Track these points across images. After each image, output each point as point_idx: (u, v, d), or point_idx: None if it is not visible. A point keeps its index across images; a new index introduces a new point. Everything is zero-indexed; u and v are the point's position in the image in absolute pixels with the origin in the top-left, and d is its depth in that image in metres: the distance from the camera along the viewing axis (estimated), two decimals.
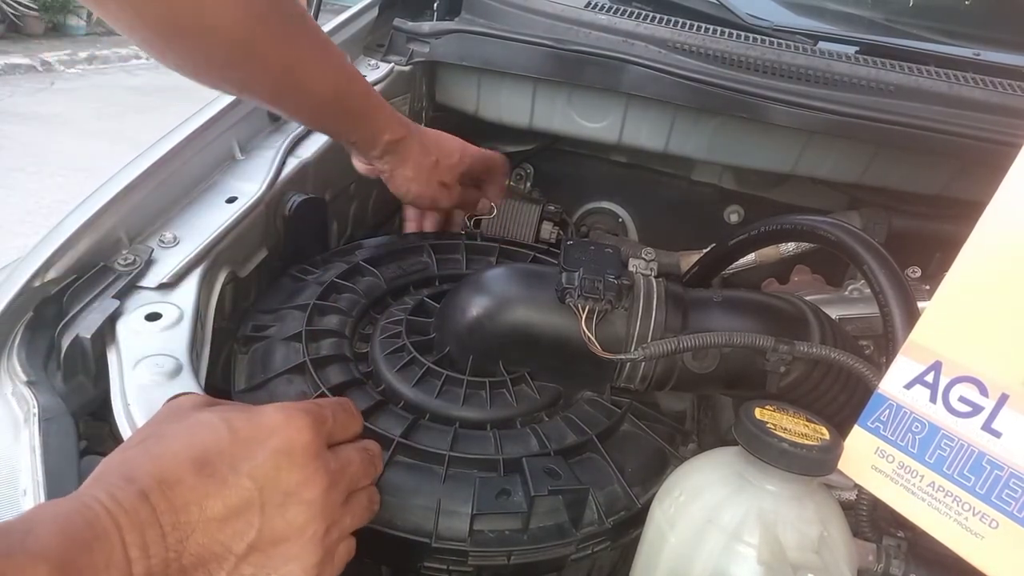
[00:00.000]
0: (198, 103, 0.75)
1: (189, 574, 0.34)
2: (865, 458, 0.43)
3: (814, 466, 0.40)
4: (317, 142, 0.80)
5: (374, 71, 0.91)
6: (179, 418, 0.39)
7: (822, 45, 0.93)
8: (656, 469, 0.56)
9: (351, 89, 0.66)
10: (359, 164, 0.78)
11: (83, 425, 0.52)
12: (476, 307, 0.58)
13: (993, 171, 0.40)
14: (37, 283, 0.56)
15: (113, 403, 0.49)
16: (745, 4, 1.00)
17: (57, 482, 0.45)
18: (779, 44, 0.91)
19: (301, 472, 0.37)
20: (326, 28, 0.91)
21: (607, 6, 0.97)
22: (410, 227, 0.86)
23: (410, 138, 0.73)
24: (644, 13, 0.96)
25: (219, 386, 0.59)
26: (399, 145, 0.72)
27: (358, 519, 0.42)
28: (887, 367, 0.44)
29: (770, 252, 0.91)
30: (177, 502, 0.34)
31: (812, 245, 0.84)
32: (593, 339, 0.54)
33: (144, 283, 0.58)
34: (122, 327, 0.54)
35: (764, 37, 0.93)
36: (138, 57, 6.21)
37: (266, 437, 0.37)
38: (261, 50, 0.56)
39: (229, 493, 0.35)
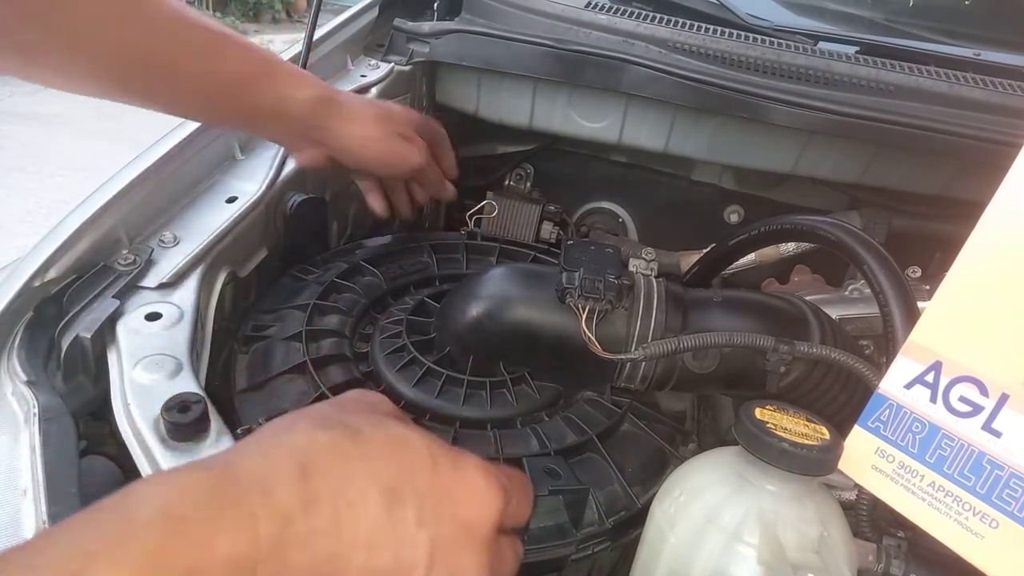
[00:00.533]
0: None
1: None
2: (865, 458, 0.43)
3: (814, 466, 0.40)
4: None
5: (374, 71, 0.91)
6: (377, 420, 0.33)
7: (822, 45, 0.93)
8: (656, 469, 0.56)
9: (228, 49, 0.55)
10: (303, 156, 0.66)
11: (83, 425, 0.52)
12: (476, 307, 0.58)
13: (993, 171, 0.40)
14: (37, 283, 0.56)
15: (113, 403, 0.49)
16: (745, 4, 1.00)
17: (57, 482, 0.45)
18: (779, 44, 0.91)
19: (473, 559, 0.31)
20: (326, 28, 0.91)
21: (607, 6, 0.97)
22: (375, 203, 0.75)
23: (341, 95, 0.64)
24: (644, 13, 0.96)
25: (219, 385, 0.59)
26: (331, 103, 0.62)
27: None
28: (887, 367, 0.44)
29: (770, 252, 0.91)
30: (351, 531, 0.28)
31: (812, 245, 0.84)
32: (593, 339, 0.54)
33: (144, 283, 0.58)
34: (122, 327, 0.54)
35: (764, 37, 0.93)
36: None
37: (463, 498, 0.32)
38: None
39: (404, 548, 0.29)
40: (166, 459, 0.44)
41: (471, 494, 0.32)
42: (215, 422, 0.46)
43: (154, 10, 0.52)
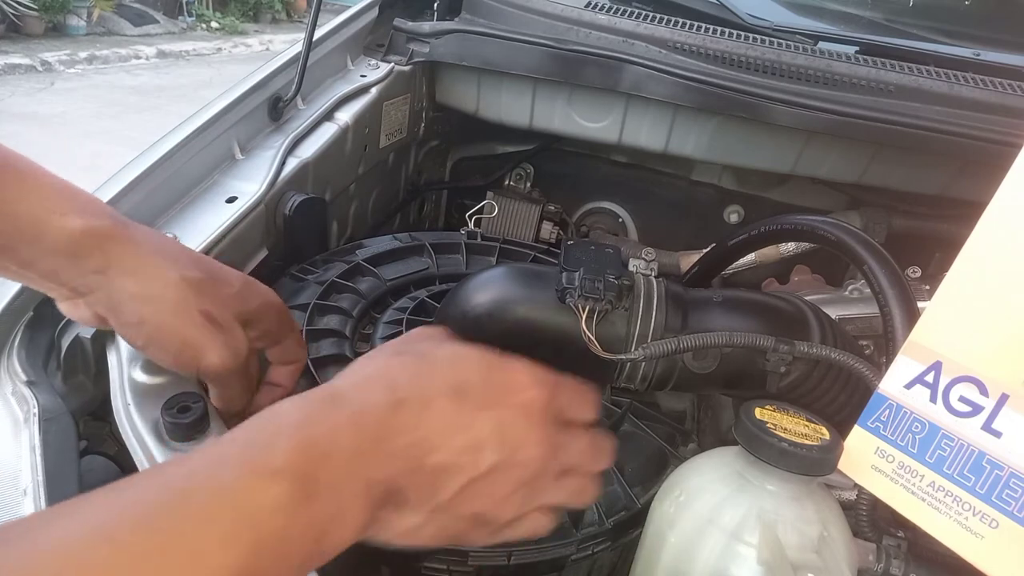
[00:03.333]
0: (198, 103, 0.75)
1: (429, 481, 0.35)
2: (865, 458, 0.43)
3: (814, 466, 0.40)
4: (317, 142, 0.80)
5: (374, 71, 0.91)
6: (438, 342, 0.42)
7: (822, 45, 0.93)
8: (656, 469, 0.56)
9: None
10: (64, 305, 0.46)
11: (83, 425, 0.52)
12: (476, 307, 0.58)
13: (993, 171, 0.40)
14: None
15: (113, 403, 0.49)
16: (745, 4, 1.00)
17: (57, 482, 0.45)
18: (779, 44, 0.91)
19: (533, 431, 0.38)
20: (326, 28, 0.91)
21: (607, 6, 0.97)
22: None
23: (132, 232, 0.45)
24: (644, 13, 0.96)
25: None
26: (109, 241, 0.43)
27: (566, 496, 0.41)
28: (887, 367, 0.44)
29: (770, 252, 0.91)
30: (431, 422, 0.35)
31: (812, 245, 0.84)
32: (593, 339, 0.54)
33: None
34: None
35: (764, 37, 0.93)
36: (138, 57, 6.21)
37: (516, 389, 0.39)
38: None
39: (473, 429, 0.36)
40: (166, 460, 0.44)
41: (520, 381, 0.39)
42: (215, 422, 0.46)
43: None
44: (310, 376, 0.56)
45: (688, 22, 0.94)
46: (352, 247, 0.76)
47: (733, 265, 0.83)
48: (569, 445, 0.40)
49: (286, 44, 0.98)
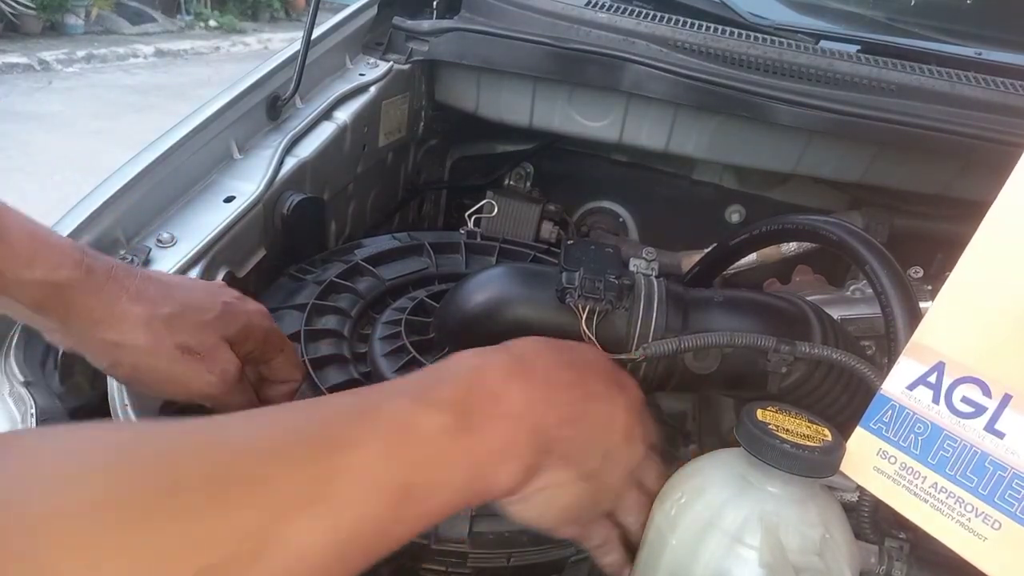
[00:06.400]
0: (196, 102, 0.75)
1: (585, 438, 0.39)
2: (867, 459, 0.43)
3: (816, 468, 0.40)
4: (315, 141, 0.80)
5: (373, 70, 0.91)
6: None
7: (824, 44, 0.93)
8: None
9: None
10: (52, 339, 0.47)
11: None
12: (476, 307, 0.58)
13: (995, 171, 0.39)
14: None
15: (111, 403, 0.48)
16: (746, 2, 0.99)
17: None
18: (780, 43, 0.91)
19: (639, 427, 0.43)
20: (324, 26, 0.91)
21: (608, 4, 0.97)
22: None
23: (93, 281, 0.43)
24: (645, 11, 0.96)
25: None
26: (67, 293, 0.42)
27: (635, 506, 0.44)
28: (889, 368, 0.43)
29: (772, 252, 0.91)
30: (591, 385, 0.41)
31: (814, 245, 0.84)
32: (593, 339, 0.54)
33: None
34: None
35: (765, 36, 0.92)
36: (136, 56, 6.20)
37: (630, 388, 0.44)
38: None
39: (615, 404, 0.42)
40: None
41: (632, 384, 0.45)
42: None
43: None
44: (308, 376, 0.56)
45: (689, 20, 0.94)
46: (351, 247, 0.76)
47: (734, 265, 0.82)
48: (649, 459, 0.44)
49: (284, 43, 0.98)
